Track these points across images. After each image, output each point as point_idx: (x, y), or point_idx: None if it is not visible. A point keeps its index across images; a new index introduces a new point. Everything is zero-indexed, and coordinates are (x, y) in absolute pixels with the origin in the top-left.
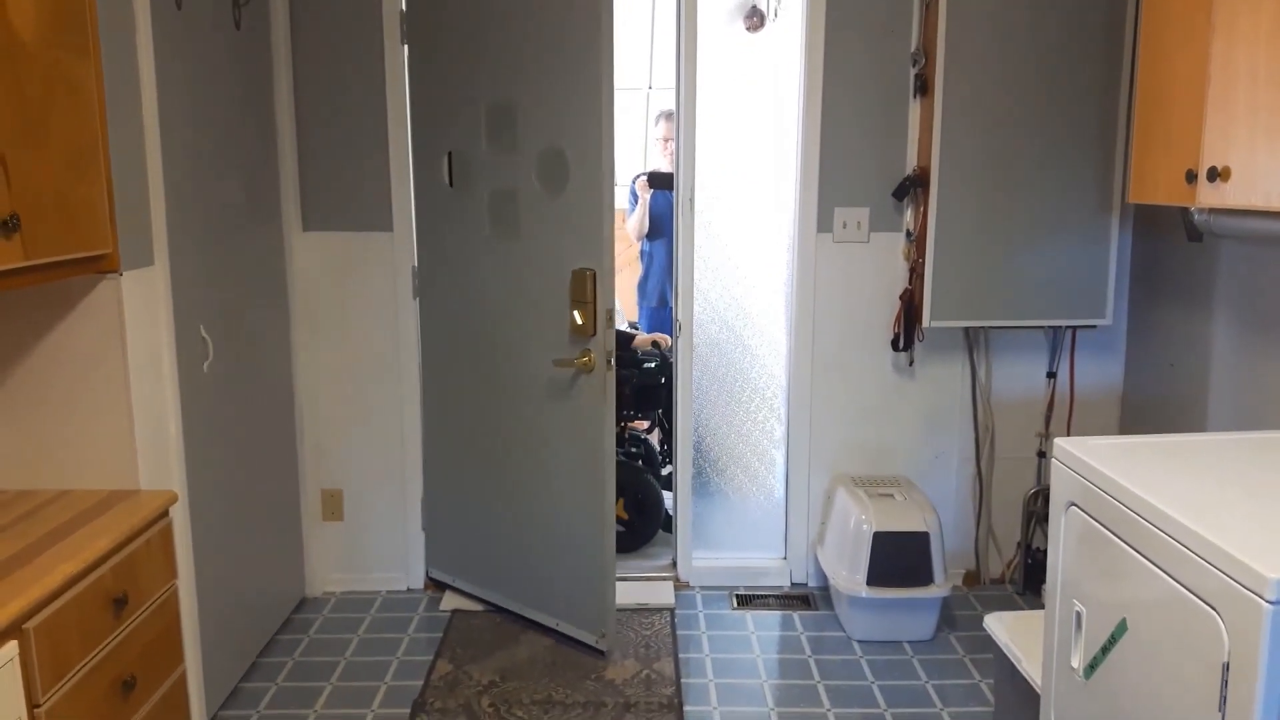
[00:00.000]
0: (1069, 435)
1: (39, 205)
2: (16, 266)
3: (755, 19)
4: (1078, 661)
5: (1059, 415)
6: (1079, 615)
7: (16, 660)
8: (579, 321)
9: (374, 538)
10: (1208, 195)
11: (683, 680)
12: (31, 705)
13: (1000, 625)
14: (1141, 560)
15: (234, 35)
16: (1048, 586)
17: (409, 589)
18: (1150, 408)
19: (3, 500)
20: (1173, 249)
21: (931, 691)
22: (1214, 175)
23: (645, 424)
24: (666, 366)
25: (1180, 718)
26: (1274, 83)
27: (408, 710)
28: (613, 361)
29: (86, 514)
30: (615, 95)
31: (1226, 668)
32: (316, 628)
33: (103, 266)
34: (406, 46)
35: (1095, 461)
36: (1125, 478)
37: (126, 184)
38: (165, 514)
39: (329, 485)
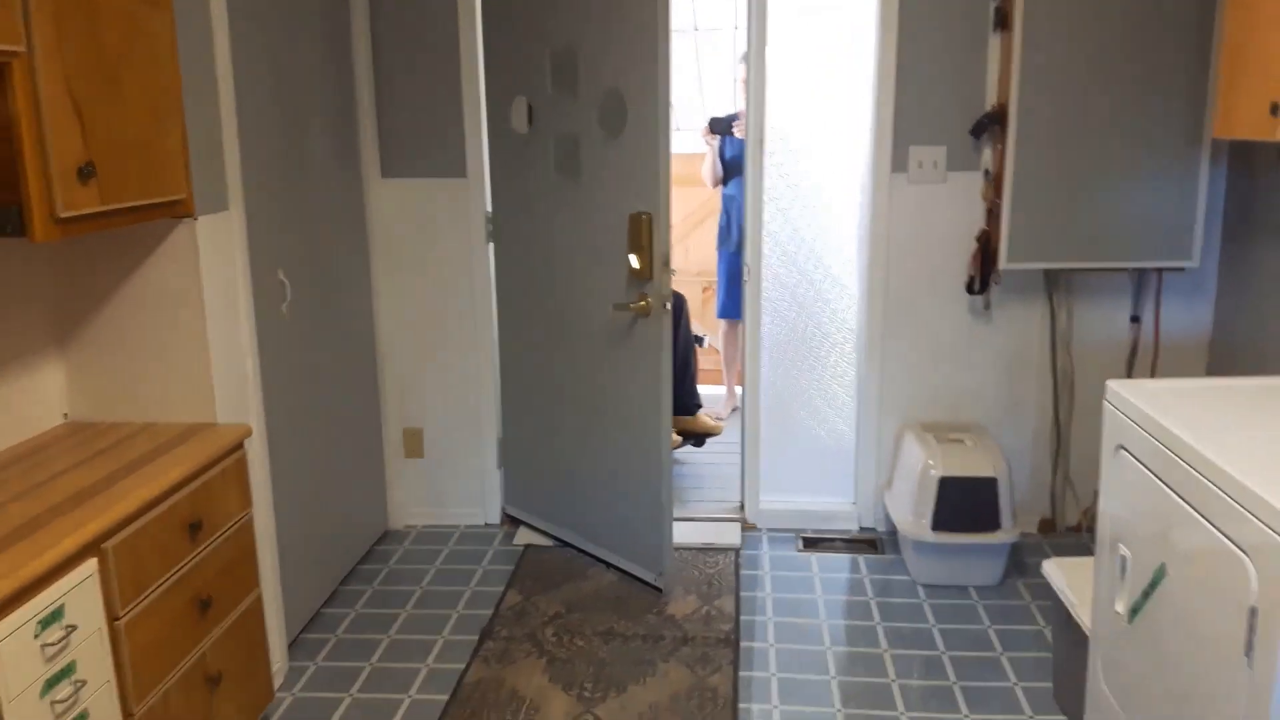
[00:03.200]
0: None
1: (115, 153)
2: (94, 211)
3: None
4: (1122, 606)
5: (1144, 361)
6: (1124, 560)
7: (96, 576)
8: (635, 266)
9: (453, 474)
10: None
11: (742, 617)
12: (111, 617)
13: (1058, 570)
14: (1180, 503)
15: None
16: (1098, 531)
17: (485, 524)
18: (1241, 353)
19: (94, 431)
20: (1269, 187)
21: (993, 636)
22: None
23: None
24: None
25: (1213, 662)
26: None
27: (476, 637)
28: (669, 306)
29: (166, 445)
30: (678, 36)
31: (1254, 612)
32: (396, 559)
33: (178, 211)
34: None
35: (1143, 404)
36: (1170, 420)
37: (200, 132)
38: (240, 446)
39: (410, 424)
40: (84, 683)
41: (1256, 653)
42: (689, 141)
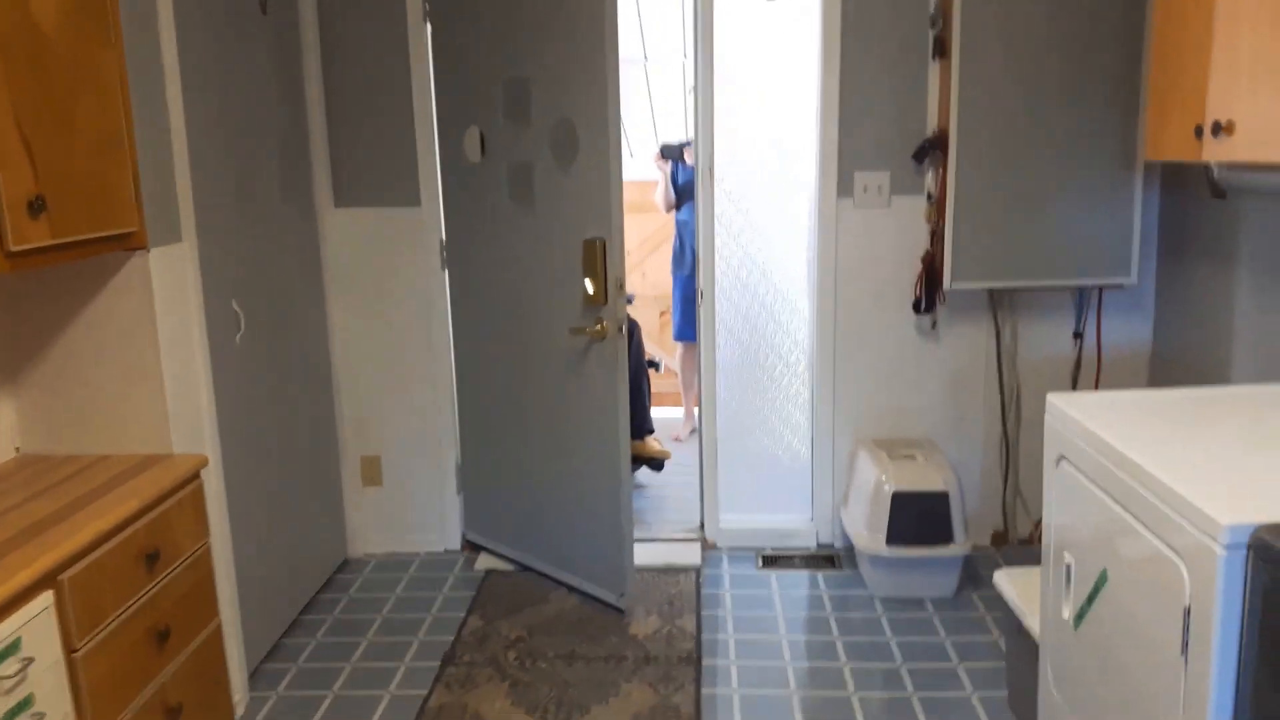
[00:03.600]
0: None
1: (65, 187)
2: (45, 245)
3: None
4: (1068, 613)
5: (1087, 376)
6: (1069, 568)
7: (53, 608)
8: (590, 291)
9: (412, 502)
10: (1213, 150)
11: (703, 636)
12: (69, 650)
13: (1008, 581)
14: (1118, 511)
15: (260, 20)
16: (1043, 540)
17: (446, 550)
18: (1179, 366)
19: (47, 464)
20: (1199, 206)
21: (950, 647)
22: (1218, 130)
23: None
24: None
25: (1153, 663)
26: (1277, 34)
27: (438, 663)
28: (624, 330)
29: (122, 476)
30: (628, 65)
31: (1188, 613)
32: (356, 587)
33: (130, 244)
34: (429, 24)
35: (1081, 416)
36: (1106, 431)
37: (152, 165)
38: (196, 476)
39: (368, 452)
40: (43, 715)
41: (1191, 651)
42: (643, 168)
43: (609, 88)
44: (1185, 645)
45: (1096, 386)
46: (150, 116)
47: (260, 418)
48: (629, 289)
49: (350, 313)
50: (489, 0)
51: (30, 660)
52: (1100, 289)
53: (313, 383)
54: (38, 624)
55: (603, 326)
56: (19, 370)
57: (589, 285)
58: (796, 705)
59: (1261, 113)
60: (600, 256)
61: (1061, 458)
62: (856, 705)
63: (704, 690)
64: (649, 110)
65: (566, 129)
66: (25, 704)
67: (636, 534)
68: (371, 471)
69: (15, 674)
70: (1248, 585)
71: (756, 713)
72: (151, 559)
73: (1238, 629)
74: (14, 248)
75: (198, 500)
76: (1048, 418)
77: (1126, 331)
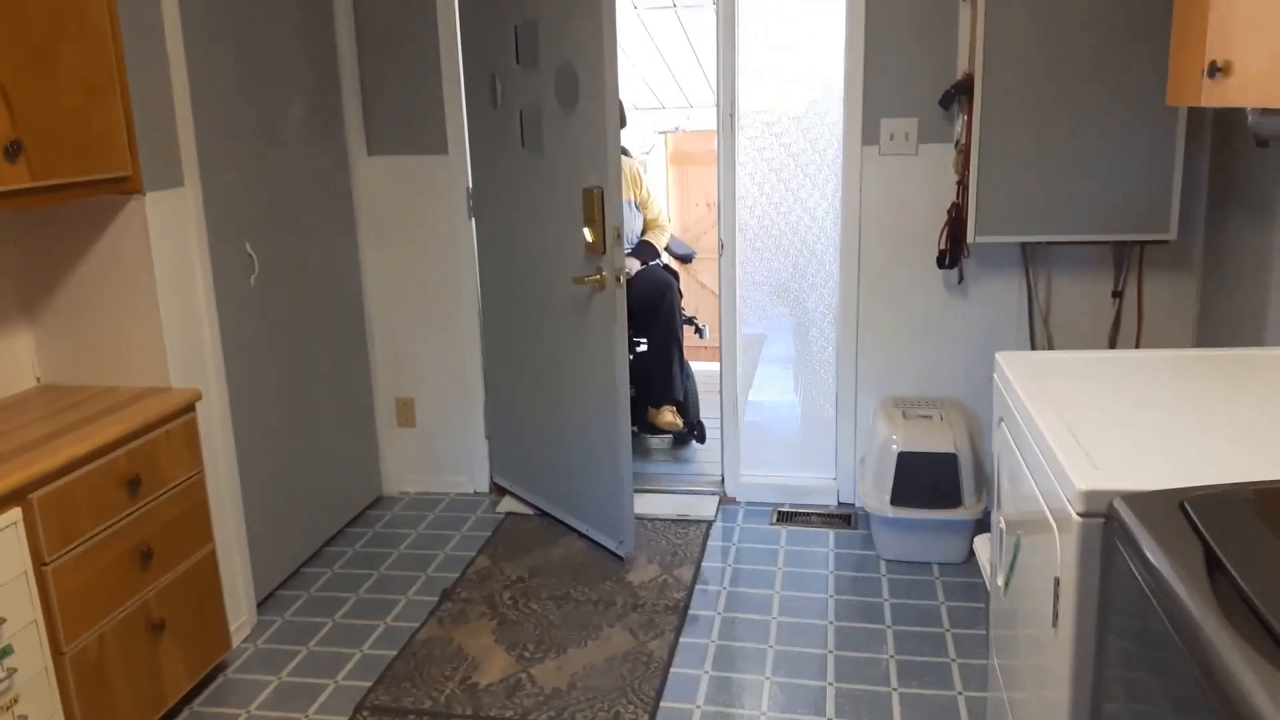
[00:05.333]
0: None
1: (47, 131)
2: (24, 187)
3: None
4: (1001, 578)
5: (1127, 335)
6: (1001, 533)
7: (21, 524)
8: (589, 239)
9: (445, 443)
10: (1211, 93)
11: (697, 587)
12: (39, 563)
13: (984, 546)
14: (1026, 475)
15: None
16: (993, 507)
17: (475, 492)
18: (1227, 327)
19: (59, 393)
20: (1245, 156)
21: (944, 612)
22: (1215, 70)
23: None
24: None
25: (1035, 636)
26: None
27: (436, 598)
28: (622, 279)
29: (117, 406)
30: (658, 12)
31: (1056, 583)
32: (383, 523)
33: (125, 188)
34: None
35: (1016, 376)
36: (1033, 392)
37: (148, 110)
38: (189, 409)
39: (402, 394)
40: (3, 620)
41: (1060, 623)
42: (708, 118)
43: (604, 31)
44: (1055, 617)
45: (1137, 347)
46: (146, 62)
47: (278, 357)
48: (691, 246)
49: (384, 258)
50: None
51: None
52: (1141, 245)
53: (343, 325)
54: (3, 538)
55: (602, 276)
56: (38, 303)
57: (588, 234)
58: (770, 659)
59: (1257, 55)
60: (598, 205)
61: (1001, 420)
62: (830, 662)
63: (682, 639)
64: (694, 58)
65: (568, 73)
66: None
67: (657, 485)
68: (406, 413)
69: None
70: (1103, 557)
71: (728, 663)
72: (134, 484)
73: (1095, 603)
74: None
75: (189, 431)
76: (995, 377)
77: (1170, 290)
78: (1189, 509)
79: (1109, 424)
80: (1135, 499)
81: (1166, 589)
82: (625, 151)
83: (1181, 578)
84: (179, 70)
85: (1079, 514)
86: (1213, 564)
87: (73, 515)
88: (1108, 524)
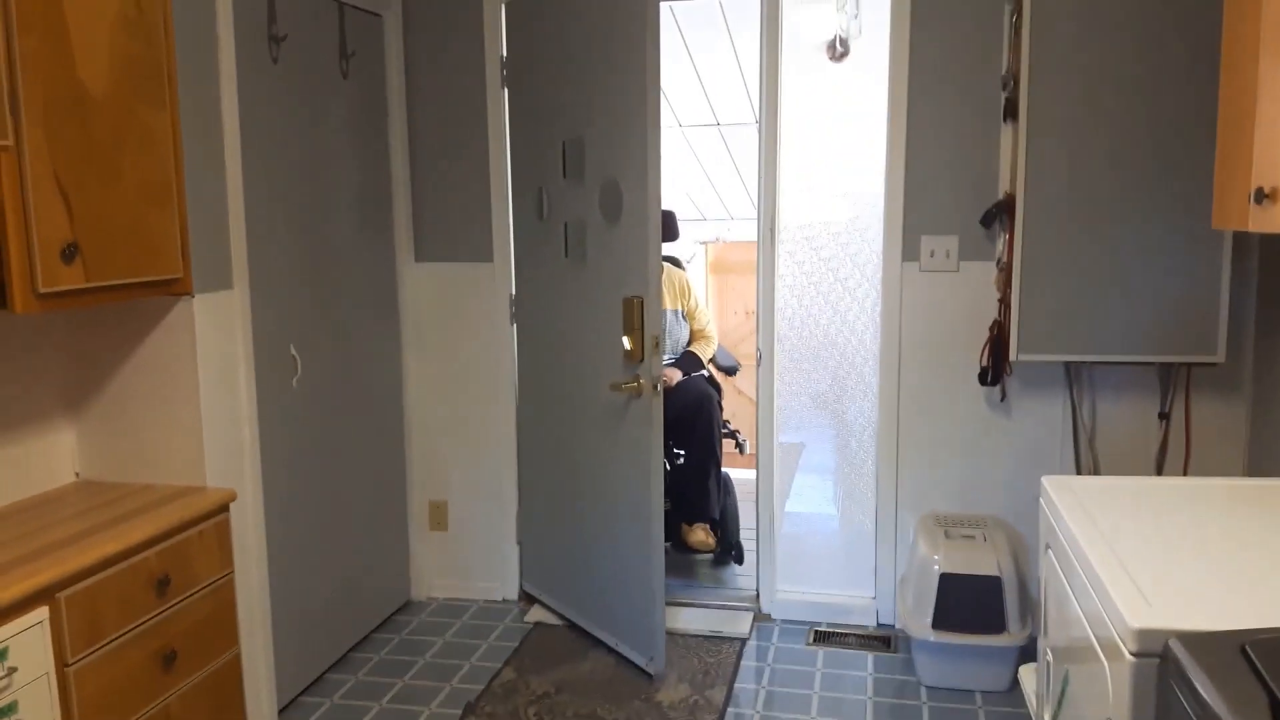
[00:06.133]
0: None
1: (103, 235)
2: (78, 287)
3: (838, 48)
4: (1049, 715)
5: (1175, 458)
6: (1049, 666)
7: (47, 623)
8: (628, 347)
9: (476, 548)
10: (1258, 219)
11: (730, 709)
12: (61, 663)
13: (1030, 677)
14: (1074, 607)
15: (342, 84)
16: (1039, 635)
17: (504, 599)
18: (1279, 451)
19: (96, 490)
20: None
21: None
22: (1261, 197)
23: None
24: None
25: None
26: None
27: (460, 711)
28: (660, 388)
29: (152, 504)
30: (700, 131)
31: None
32: (410, 629)
33: (176, 289)
34: (506, 90)
35: (1063, 502)
36: (1080, 520)
37: (203, 217)
38: (223, 509)
39: (435, 497)
40: None
41: None
42: (747, 229)
43: (649, 148)
44: None
45: (1185, 471)
46: (204, 173)
47: (315, 458)
48: (738, 359)
49: (424, 362)
50: (556, 64)
51: (14, 669)
52: (1189, 367)
53: (381, 428)
54: (29, 636)
55: (639, 384)
56: (82, 400)
57: (626, 342)
58: None
59: None
60: (638, 314)
61: (1048, 546)
62: None
63: None
64: (735, 172)
65: (613, 188)
66: (8, 710)
67: (690, 599)
68: (439, 516)
69: None
70: (1158, 700)
71: None
72: (163, 584)
73: None
74: (43, 289)
75: (222, 532)
76: (1041, 502)
77: (1219, 413)
78: (1251, 653)
79: (1161, 557)
80: (1193, 640)
81: None
82: (676, 262)
83: None
84: (234, 177)
85: (1132, 653)
86: (1277, 713)
87: (100, 615)
88: (1163, 664)
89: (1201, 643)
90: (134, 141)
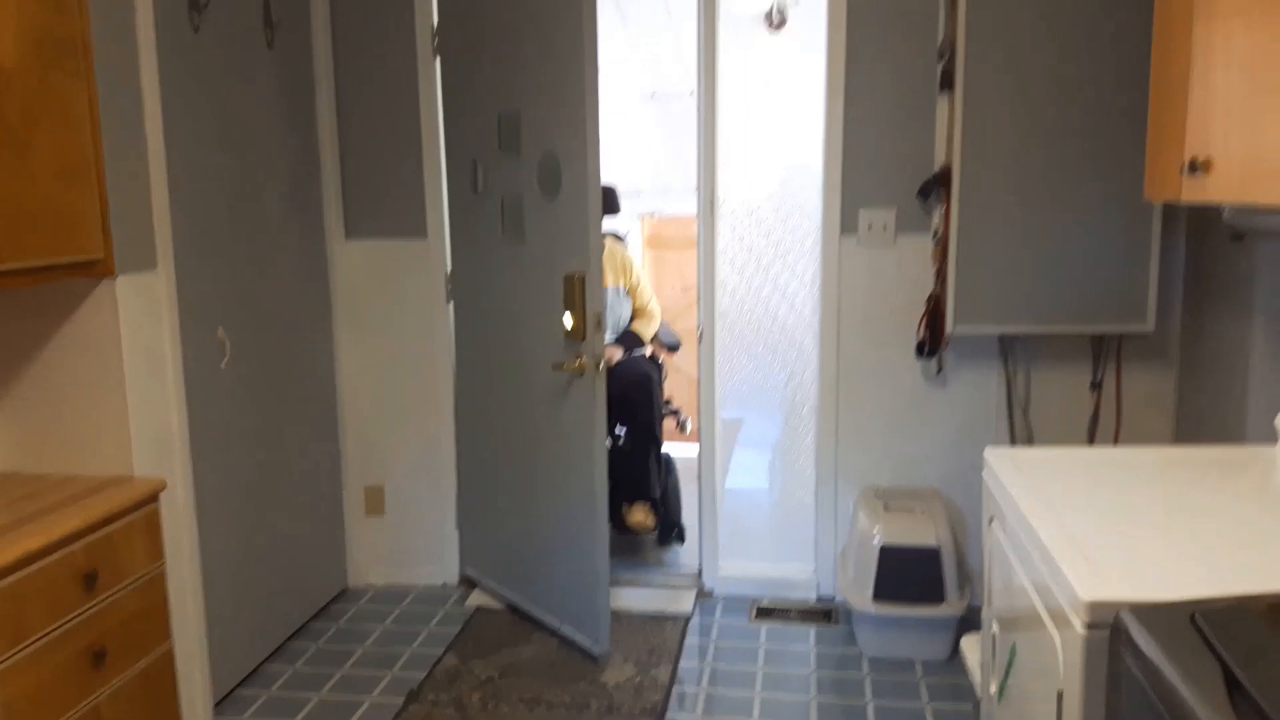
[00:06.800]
0: (1116, 447)
1: (15, 215)
2: None
3: (776, 17)
4: (994, 686)
5: (1106, 428)
6: (994, 638)
7: None
8: (569, 326)
9: (414, 533)
10: (1191, 189)
11: (675, 688)
12: None
13: (973, 647)
14: (1022, 579)
15: (267, 55)
16: (983, 607)
17: (443, 584)
18: (1209, 420)
19: (15, 481)
20: (1219, 250)
21: (929, 714)
22: (1195, 167)
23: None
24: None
25: None
26: (1249, 66)
27: (402, 699)
28: (602, 367)
29: (76, 496)
30: (645, 102)
31: (1060, 697)
32: (348, 617)
33: (97, 271)
34: (438, 59)
35: (1007, 474)
36: (1024, 492)
37: (123, 195)
38: (152, 499)
39: (371, 481)
40: None
41: None
42: (684, 203)
43: (587, 120)
44: None
45: (1116, 440)
46: (124, 147)
47: (246, 444)
48: (678, 335)
49: (358, 343)
50: (489, 34)
51: None
52: (1120, 337)
53: (315, 412)
54: None
55: (581, 362)
56: (1, 388)
57: (568, 320)
58: None
59: (1234, 151)
60: (579, 291)
61: (992, 518)
62: None
63: None
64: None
65: (551, 162)
66: None
67: (633, 577)
68: (375, 501)
69: None
70: (1109, 670)
71: None
72: (90, 579)
73: (1101, 718)
74: None
75: (152, 523)
76: (984, 474)
77: (1149, 382)
78: (1201, 623)
79: (1107, 528)
80: (1144, 611)
81: (1185, 711)
82: (619, 237)
83: (1201, 699)
84: (157, 154)
85: (1084, 625)
86: (1231, 684)
87: (23, 615)
88: (1114, 635)
89: (1152, 615)
90: (47, 115)
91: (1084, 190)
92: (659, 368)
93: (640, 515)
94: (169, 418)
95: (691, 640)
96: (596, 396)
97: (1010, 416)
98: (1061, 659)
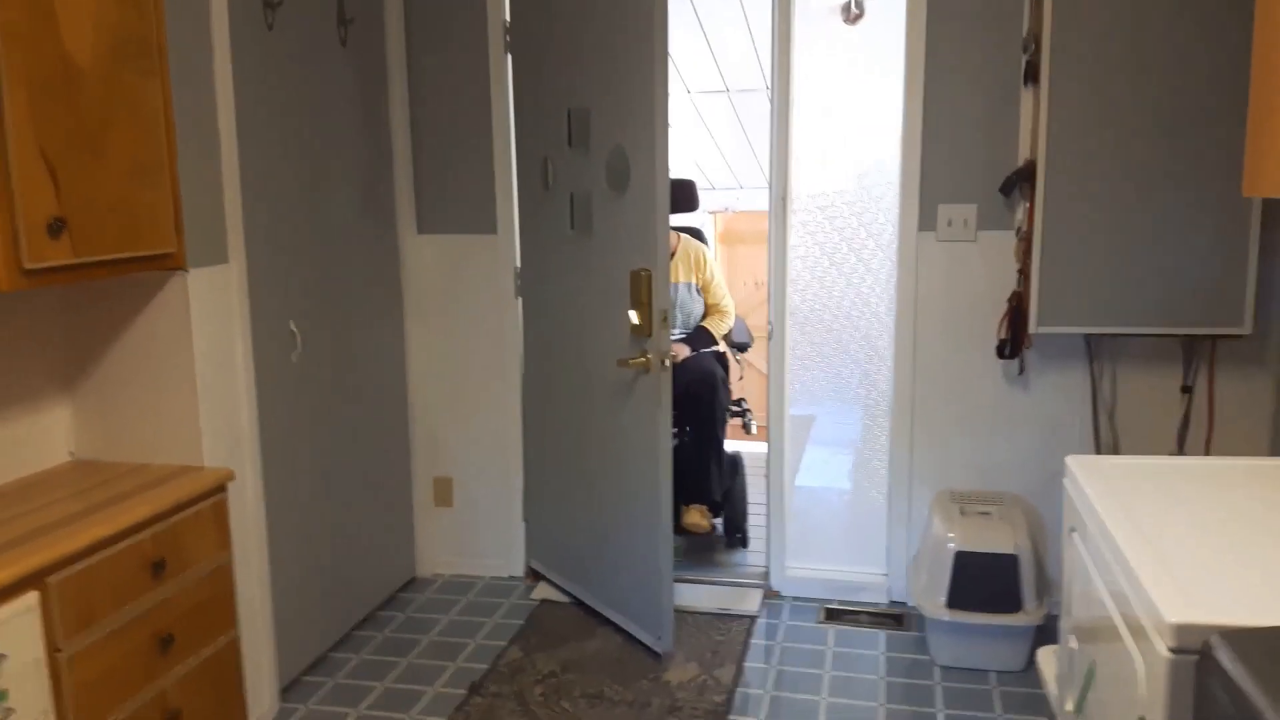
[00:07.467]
0: (1207, 456)
1: (92, 209)
2: (65, 263)
3: (853, 10)
4: (1071, 704)
5: (1196, 433)
6: (1072, 654)
7: (38, 610)
8: (636, 322)
9: (482, 525)
10: None
11: (739, 689)
12: (52, 649)
13: (1050, 660)
14: (1103, 596)
15: (341, 52)
16: (1061, 621)
17: (510, 576)
18: None
19: (91, 469)
20: None
21: None
22: None
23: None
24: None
25: None
26: None
27: (465, 691)
28: (668, 363)
29: (146, 485)
30: (711, 97)
31: None
32: (415, 607)
33: (168, 264)
34: (510, 56)
35: (1089, 484)
36: (1107, 502)
37: (197, 190)
38: (220, 489)
39: (440, 473)
40: (12, 710)
41: None
42: (757, 199)
43: (656, 115)
44: None
45: (1207, 448)
46: (197, 145)
47: (317, 435)
48: (749, 334)
49: (428, 336)
50: (561, 31)
51: (4, 657)
52: (1213, 339)
53: (385, 403)
54: (18, 623)
55: (647, 359)
56: (76, 379)
57: (634, 316)
58: None
59: None
60: (646, 287)
61: (1072, 529)
62: None
63: None
64: (745, 140)
65: (620, 157)
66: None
67: (698, 575)
68: (443, 492)
69: None
70: (1196, 699)
71: None
72: (158, 567)
73: None
74: (29, 265)
75: (220, 513)
76: (1065, 482)
77: (1244, 388)
78: None
79: (1195, 545)
80: (1235, 637)
81: None
82: (697, 234)
83: None
84: (230, 150)
85: (1169, 649)
86: None
87: (92, 600)
88: (1202, 661)
89: (1243, 640)
90: (123, 113)
91: (1175, 186)
92: (725, 366)
93: (696, 517)
94: (239, 409)
95: (757, 641)
96: (661, 394)
97: (1095, 421)
98: (1144, 683)
